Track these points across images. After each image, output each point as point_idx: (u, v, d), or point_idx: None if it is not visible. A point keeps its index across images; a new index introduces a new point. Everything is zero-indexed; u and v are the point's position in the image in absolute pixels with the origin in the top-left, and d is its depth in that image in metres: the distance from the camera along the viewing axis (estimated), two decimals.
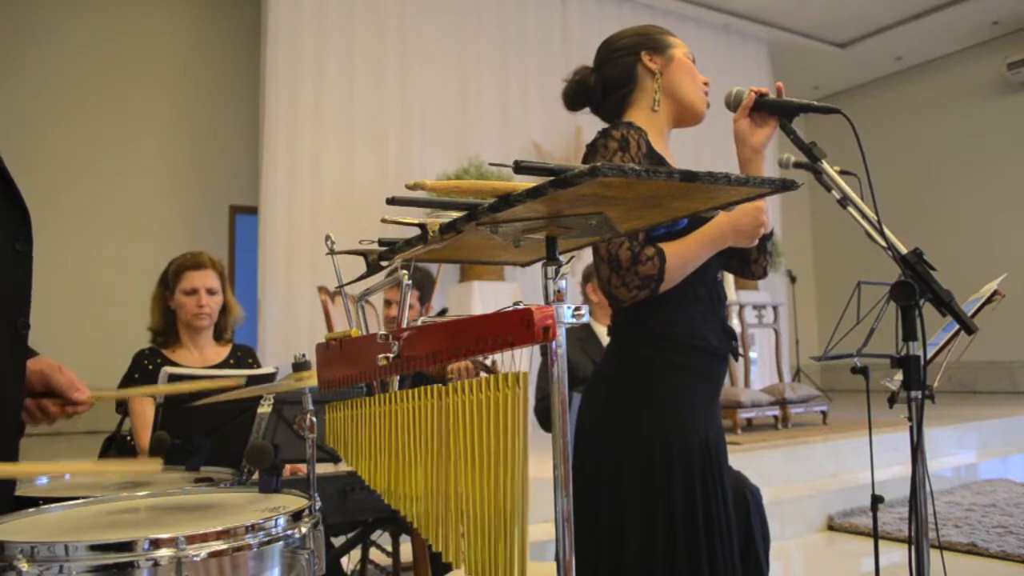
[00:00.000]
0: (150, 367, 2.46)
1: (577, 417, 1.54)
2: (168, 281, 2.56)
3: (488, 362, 2.55)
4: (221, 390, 1.53)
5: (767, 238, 1.58)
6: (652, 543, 1.41)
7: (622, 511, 1.43)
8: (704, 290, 1.51)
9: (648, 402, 1.47)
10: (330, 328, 4.51)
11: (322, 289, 4.90)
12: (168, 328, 2.56)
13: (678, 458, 1.43)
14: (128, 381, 2.46)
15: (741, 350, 5.66)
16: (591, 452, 1.50)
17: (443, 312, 3.80)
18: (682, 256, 1.42)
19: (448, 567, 0.98)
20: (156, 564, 0.95)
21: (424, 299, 3.19)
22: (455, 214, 0.98)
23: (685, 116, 1.58)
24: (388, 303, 3.27)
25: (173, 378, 1.97)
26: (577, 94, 1.63)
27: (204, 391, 1.56)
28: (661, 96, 1.55)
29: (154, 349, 2.55)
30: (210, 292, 2.53)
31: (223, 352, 2.60)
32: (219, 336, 2.62)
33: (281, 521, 1.09)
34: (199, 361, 2.53)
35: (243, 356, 2.63)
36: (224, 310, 2.61)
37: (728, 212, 1.44)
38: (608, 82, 1.60)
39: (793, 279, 7.84)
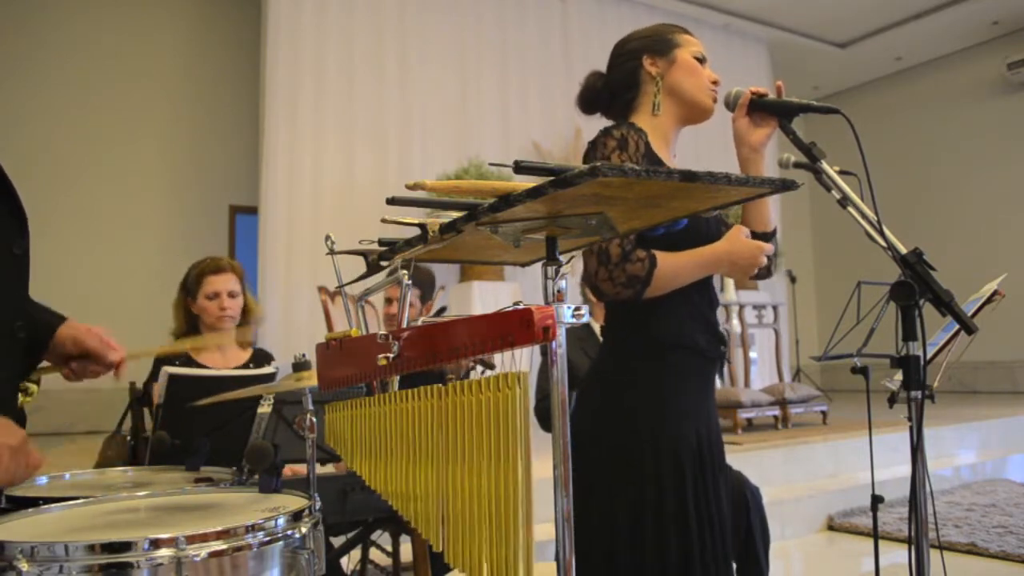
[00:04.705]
0: (176, 363, 2.50)
1: (572, 413, 1.56)
2: (189, 287, 2.63)
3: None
4: (224, 381, 1.54)
5: (770, 237, 1.59)
6: (642, 537, 1.42)
7: (612, 505, 1.45)
8: (696, 295, 1.53)
9: (638, 399, 1.49)
10: (330, 328, 4.51)
11: (322, 289, 4.90)
12: (191, 332, 2.63)
13: (667, 453, 1.45)
14: (154, 378, 2.49)
15: (740, 351, 5.67)
16: (584, 447, 1.52)
17: (442, 311, 3.79)
18: (674, 269, 1.43)
19: (448, 567, 0.98)
20: (156, 564, 0.95)
21: (425, 298, 3.19)
22: (455, 214, 0.98)
23: (692, 114, 1.58)
24: (389, 300, 3.27)
25: (173, 377, 1.97)
26: (587, 99, 1.66)
27: (208, 378, 1.57)
28: (663, 99, 1.56)
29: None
30: (231, 295, 2.60)
31: (244, 356, 2.66)
32: (242, 338, 2.68)
33: (281, 521, 1.09)
34: (222, 363, 2.59)
35: (261, 360, 2.68)
36: (245, 310, 2.67)
37: (729, 241, 1.46)
38: (613, 86, 1.61)
39: (793, 279, 7.84)
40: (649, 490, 1.43)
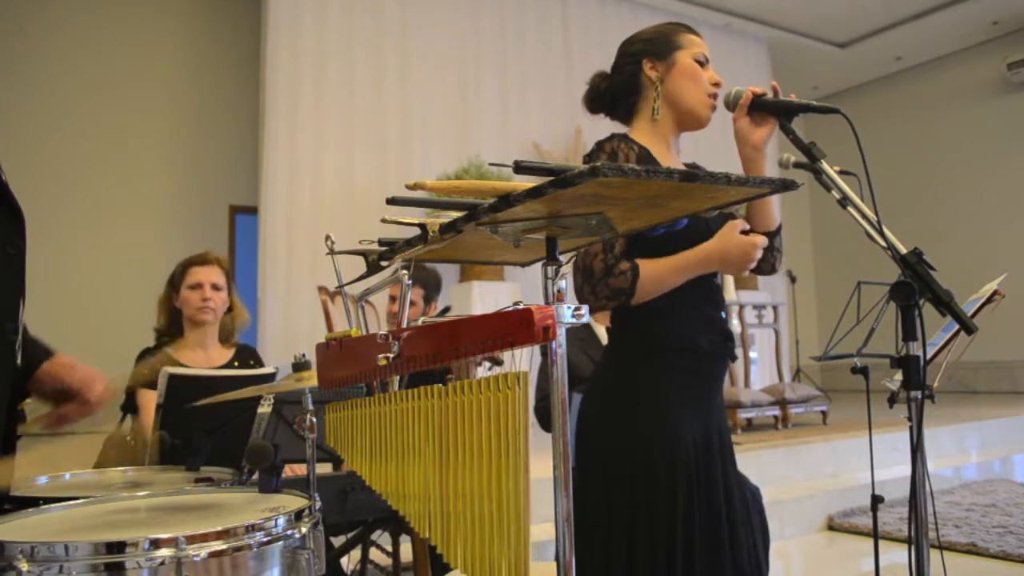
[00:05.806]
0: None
1: (577, 415, 1.56)
2: (175, 281, 2.59)
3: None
4: (224, 380, 1.53)
5: (775, 233, 1.59)
6: (635, 541, 1.43)
7: (609, 509, 1.46)
8: (699, 296, 1.53)
9: (638, 401, 1.49)
10: (330, 328, 4.51)
11: (322, 289, 4.90)
12: (173, 328, 2.58)
13: (664, 457, 1.45)
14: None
15: (741, 351, 5.67)
16: (586, 450, 1.53)
17: (446, 311, 3.79)
18: (658, 276, 1.44)
19: (448, 567, 0.98)
20: (156, 564, 0.95)
21: (429, 298, 3.19)
22: (455, 214, 0.98)
23: (687, 122, 1.59)
24: (392, 299, 3.27)
25: (173, 377, 1.97)
26: (592, 100, 1.67)
27: (208, 377, 1.56)
28: (661, 105, 1.56)
29: (159, 347, 2.57)
30: (215, 288, 2.55)
31: (227, 354, 2.62)
32: (225, 339, 2.64)
33: (281, 521, 1.09)
34: (204, 361, 2.54)
35: (246, 357, 2.65)
36: (230, 312, 2.63)
37: (721, 238, 1.46)
38: (616, 89, 1.62)
39: (793, 279, 7.84)
40: (643, 495, 1.44)
